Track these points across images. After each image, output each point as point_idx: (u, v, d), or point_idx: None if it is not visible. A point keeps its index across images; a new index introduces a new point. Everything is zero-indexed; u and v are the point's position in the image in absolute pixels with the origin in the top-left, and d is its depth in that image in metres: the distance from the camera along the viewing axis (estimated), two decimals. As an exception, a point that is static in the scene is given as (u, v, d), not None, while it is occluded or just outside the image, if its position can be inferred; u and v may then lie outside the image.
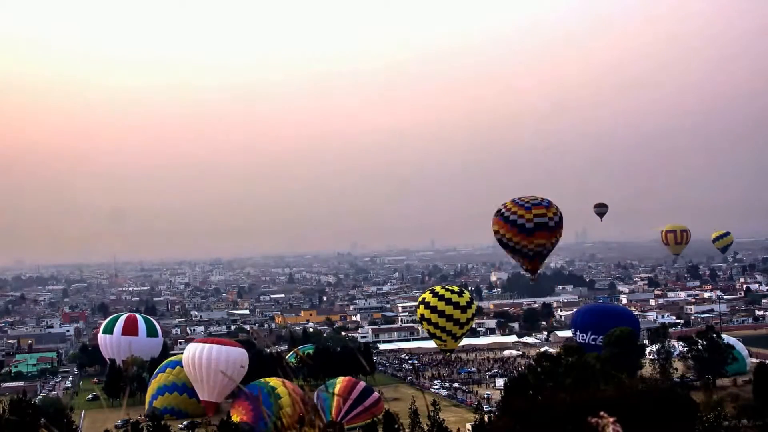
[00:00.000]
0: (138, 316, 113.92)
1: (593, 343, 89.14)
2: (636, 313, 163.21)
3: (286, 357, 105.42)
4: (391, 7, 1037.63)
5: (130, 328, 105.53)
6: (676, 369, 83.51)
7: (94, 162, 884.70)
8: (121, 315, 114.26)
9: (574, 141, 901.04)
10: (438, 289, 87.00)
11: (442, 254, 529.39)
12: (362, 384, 74.60)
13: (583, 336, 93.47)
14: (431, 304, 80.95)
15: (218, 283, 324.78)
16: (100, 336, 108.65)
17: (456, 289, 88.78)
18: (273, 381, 75.23)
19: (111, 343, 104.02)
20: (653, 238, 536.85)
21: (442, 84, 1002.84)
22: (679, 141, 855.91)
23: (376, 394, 74.58)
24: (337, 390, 70.27)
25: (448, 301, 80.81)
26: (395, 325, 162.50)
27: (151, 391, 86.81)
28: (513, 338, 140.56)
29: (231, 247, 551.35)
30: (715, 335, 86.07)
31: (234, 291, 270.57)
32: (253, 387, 75.87)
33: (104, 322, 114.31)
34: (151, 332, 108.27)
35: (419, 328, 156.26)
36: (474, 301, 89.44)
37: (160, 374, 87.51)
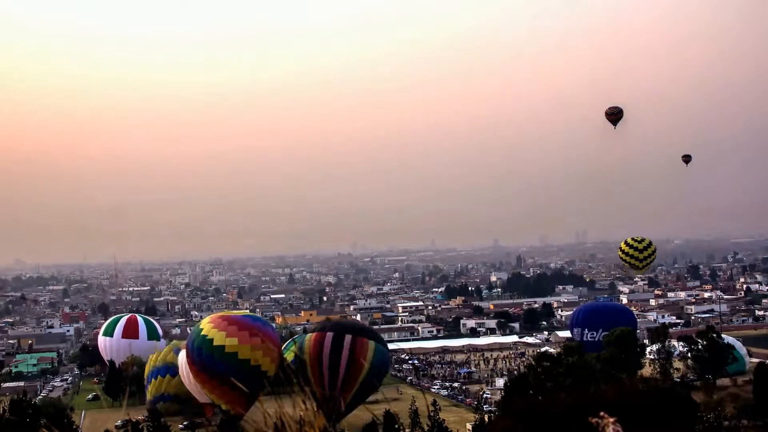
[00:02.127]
0: (139, 318, 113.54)
1: (592, 340, 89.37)
2: (636, 313, 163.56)
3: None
4: (391, 8, 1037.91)
5: (131, 331, 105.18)
6: (677, 369, 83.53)
7: (95, 161, 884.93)
8: (122, 316, 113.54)
9: (575, 142, 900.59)
10: (627, 242, 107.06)
11: (442, 254, 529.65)
12: (329, 340, 64.46)
13: (582, 333, 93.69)
14: (624, 250, 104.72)
15: (218, 283, 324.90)
16: (101, 338, 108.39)
17: (639, 239, 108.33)
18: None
19: (111, 346, 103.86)
20: (653, 238, 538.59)
21: (443, 83, 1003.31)
22: (672, 141, 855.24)
23: (347, 341, 65.29)
24: (307, 359, 65.72)
25: (631, 247, 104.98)
26: (395, 325, 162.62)
27: (149, 395, 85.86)
28: (513, 338, 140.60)
29: (231, 248, 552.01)
30: (715, 335, 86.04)
31: (234, 291, 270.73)
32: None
33: (104, 324, 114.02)
34: (152, 335, 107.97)
35: (419, 328, 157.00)
36: (651, 245, 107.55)
37: (159, 378, 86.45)
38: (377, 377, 67.31)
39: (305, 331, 67.84)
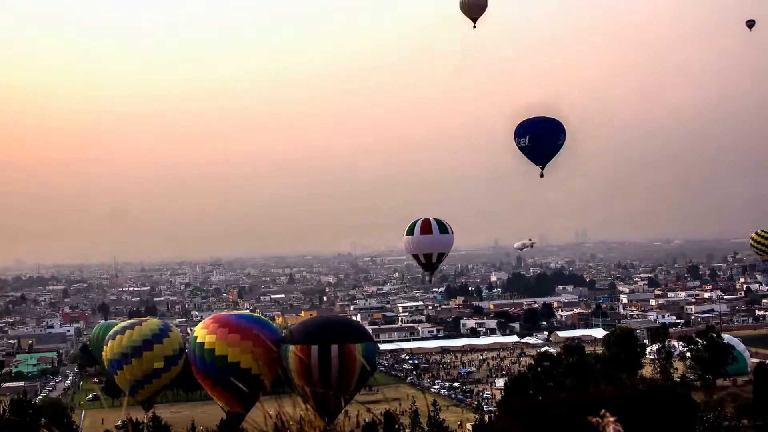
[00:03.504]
0: (431, 219, 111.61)
1: (525, 144, 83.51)
2: (636, 313, 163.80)
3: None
4: (398, 7, 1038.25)
5: (426, 229, 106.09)
6: (676, 369, 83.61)
7: (95, 161, 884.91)
8: (419, 220, 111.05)
9: (575, 142, 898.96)
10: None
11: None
12: (315, 354, 56.29)
13: (520, 141, 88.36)
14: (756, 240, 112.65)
15: (219, 283, 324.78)
16: (405, 238, 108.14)
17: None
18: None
19: (412, 242, 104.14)
20: (653, 238, 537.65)
21: (443, 84, 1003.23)
22: (672, 141, 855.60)
23: (335, 353, 57.06)
24: (294, 375, 62.02)
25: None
26: (395, 325, 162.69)
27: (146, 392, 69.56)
28: (513, 338, 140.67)
29: (231, 248, 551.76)
30: (715, 335, 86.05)
31: (234, 291, 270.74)
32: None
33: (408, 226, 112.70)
34: (443, 230, 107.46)
35: (419, 328, 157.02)
36: None
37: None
38: (370, 365, 66.53)
39: (291, 334, 64.59)
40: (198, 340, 67.69)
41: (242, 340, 65.06)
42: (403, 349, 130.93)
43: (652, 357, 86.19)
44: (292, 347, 61.62)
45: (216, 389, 66.59)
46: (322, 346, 59.66)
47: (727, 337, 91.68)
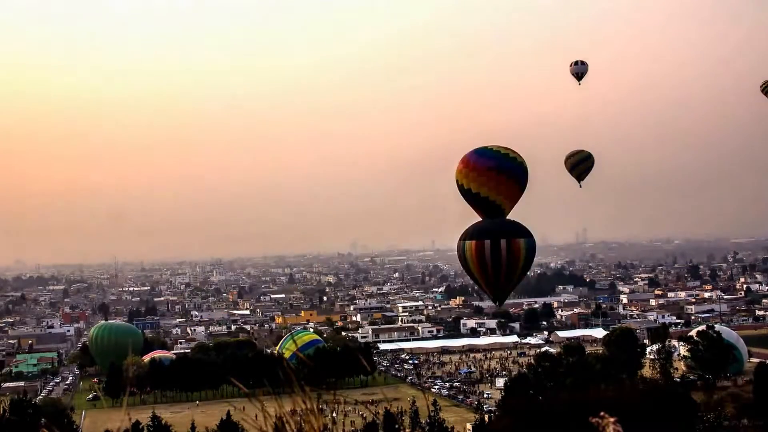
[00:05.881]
0: None
1: None
2: (636, 313, 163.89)
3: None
4: (399, 6, 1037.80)
5: None
6: (676, 369, 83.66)
7: (95, 162, 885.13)
8: None
9: (576, 143, 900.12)
10: None
11: (442, 254, 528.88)
12: (488, 247, 67.11)
13: None
14: None
15: (219, 283, 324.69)
16: None
17: None
18: None
19: None
20: (653, 238, 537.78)
21: (443, 85, 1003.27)
22: (670, 142, 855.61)
23: (503, 245, 66.84)
24: (471, 265, 70.43)
25: None
26: (395, 325, 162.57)
27: None
28: (513, 338, 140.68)
29: (231, 248, 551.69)
30: (715, 335, 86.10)
31: (234, 291, 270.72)
32: None
33: None
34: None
35: (419, 328, 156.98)
36: None
37: None
38: (530, 257, 71.00)
39: (466, 234, 66.97)
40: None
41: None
42: (403, 349, 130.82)
43: (652, 357, 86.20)
44: (468, 242, 67.79)
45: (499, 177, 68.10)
46: (494, 240, 66.72)
47: (728, 330, 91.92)
